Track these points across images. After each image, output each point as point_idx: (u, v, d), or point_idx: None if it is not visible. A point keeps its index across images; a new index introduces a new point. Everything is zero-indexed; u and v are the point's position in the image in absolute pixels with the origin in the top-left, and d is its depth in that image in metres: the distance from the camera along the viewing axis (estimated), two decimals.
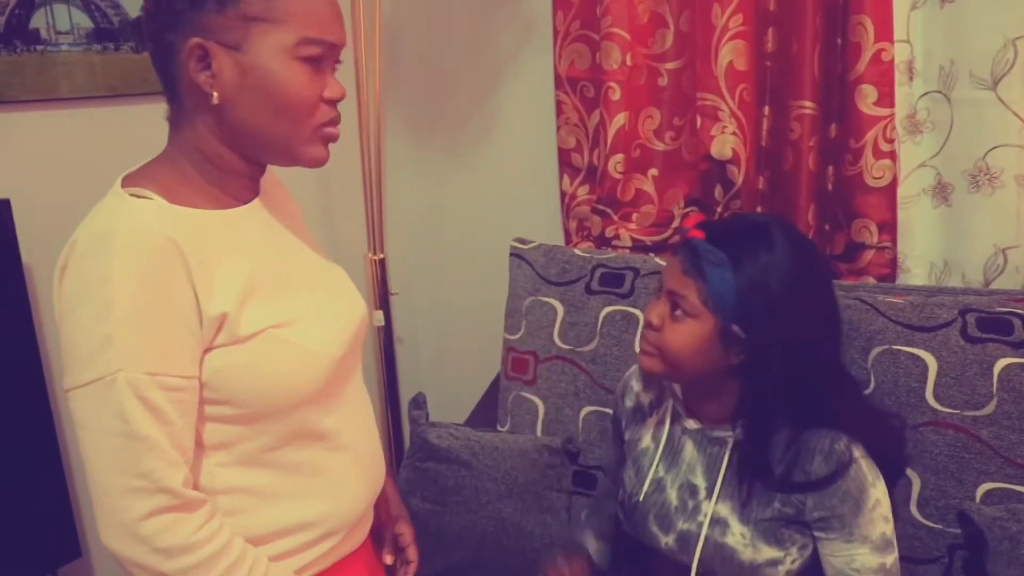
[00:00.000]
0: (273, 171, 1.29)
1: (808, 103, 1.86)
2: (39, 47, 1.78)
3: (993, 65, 1.70)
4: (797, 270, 1.24)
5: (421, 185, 2.48)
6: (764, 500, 1.28)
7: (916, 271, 1.89)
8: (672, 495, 1.36)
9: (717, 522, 1.30)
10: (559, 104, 2.16)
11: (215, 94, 1.05)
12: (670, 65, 2.01)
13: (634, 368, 1.52)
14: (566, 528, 1.74)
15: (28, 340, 1.72)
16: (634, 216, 2.10)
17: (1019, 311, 1.49)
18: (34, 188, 1.78)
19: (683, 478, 1.36)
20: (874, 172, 1.83)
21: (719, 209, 2.04)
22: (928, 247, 1.87)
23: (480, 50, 2.30)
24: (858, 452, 1.27)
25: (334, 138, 1.14)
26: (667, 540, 1.35)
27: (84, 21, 1.83)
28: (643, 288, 1.79)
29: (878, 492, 1.27)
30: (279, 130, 1.08)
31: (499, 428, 1.93)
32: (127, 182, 1.07)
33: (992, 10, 1.69)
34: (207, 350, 1.04)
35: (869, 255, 1.89)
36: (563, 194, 2.22)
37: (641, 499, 1.38)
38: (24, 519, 1.73)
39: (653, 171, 2.07)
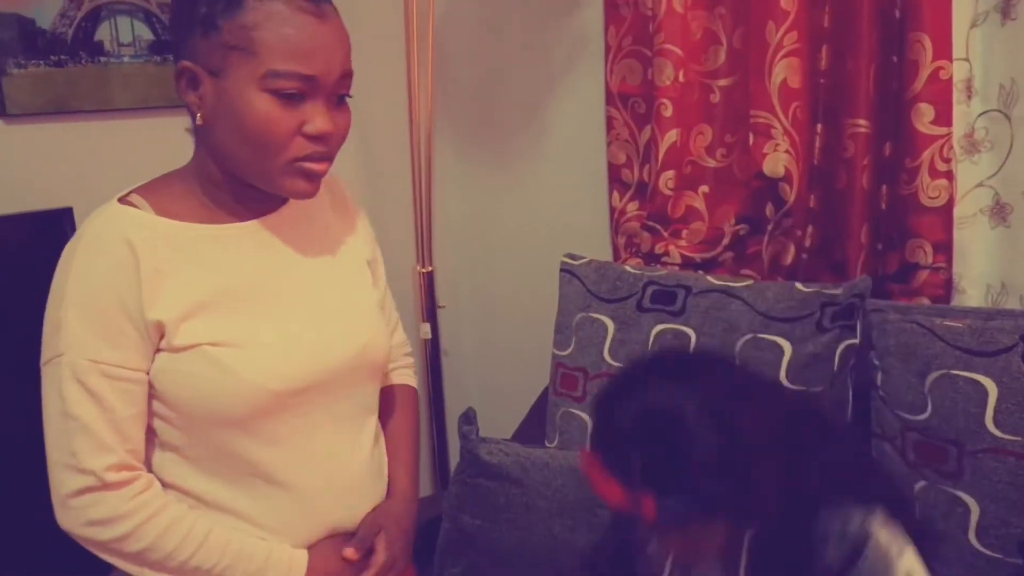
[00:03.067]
0: (337, 184, 1.30)
1: (862, 121, 1.85)
2: (102, 58, 1.82)
3: None
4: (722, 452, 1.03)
5: (470, 198, 2.49)
6: None
7: (971, 293, 1.86)
8: None
9: None
10: (610, 119, 2.16)
11: (199, 115, 1.10)
12: (723, 82, 2.00)
13: None
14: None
15: None
16: (684, 233, 2.09)
17: None
18: (95, 197, 1.80)
19: None
20: (930, 192, 1.81)
21: (770, 227, 2.02)
22: (985, 268, 1.84)
23: (531, 64, 2.31)
24: (876, 523, 1.09)
25: (315, 173, 1.12)
26: None
27: (146, 33, 1.87)
28: (694, 306, 1.79)
29: (907, 562, 1.09)
30: (250, 158, 1.11)
31: (547, 444, 1.92)
32: (137, 190, 1.15)
33: None
34: (156, 350, 1.10)
35: (923, 275, 1.86)
36: (612, 210, 2.21)
37: None
38: None
39: (704, 188, 2.06)
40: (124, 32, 1.84)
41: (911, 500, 1.36)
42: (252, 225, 1.18)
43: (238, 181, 1.15)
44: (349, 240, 1.30)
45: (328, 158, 1.13)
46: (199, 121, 1.10)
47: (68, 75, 1.79)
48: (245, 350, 1.11)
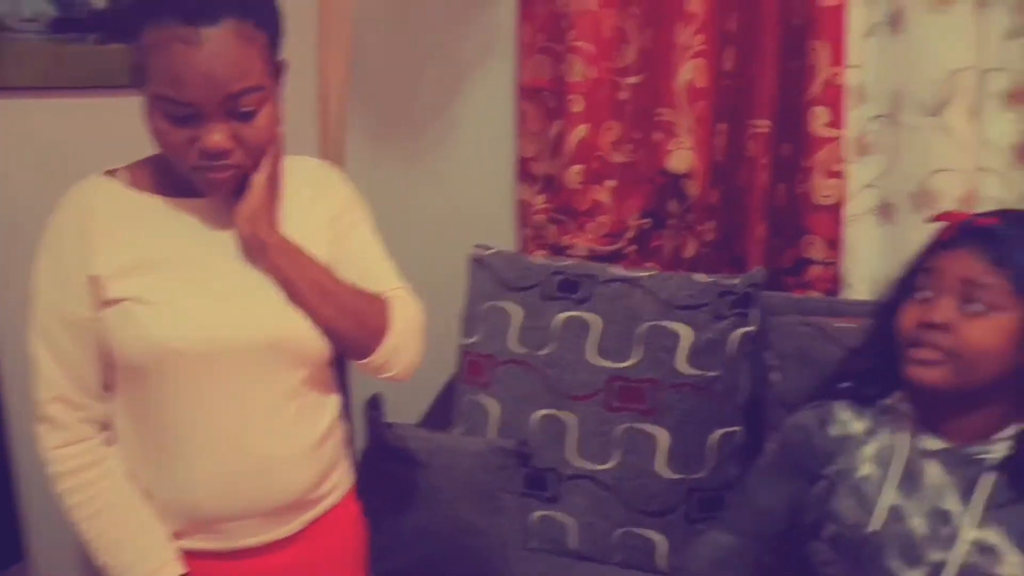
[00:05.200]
0: (328, 176, 1.37)
1: (763, 122, 1.92)
2: (1, 33, 1.76)
3: (937, 94, 1.76)
4: None
5: (380, 190, 2.46)
6: None
7: (859, 287, 1.95)
8: (916, 523, 1.19)
9: (984, 550, 1.14)
10: (521, 113, 2.20)
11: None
12: (631, 80, 2.06)
13: (831, 404, 1.34)
14: (518, 531, 1.76)
15: None
16: (589, 226, 2.13)
17: None
18: None
19: (929, 505, 1.20)
20: (823, 191, 1.89)
21: (672, 222, 2.09)
22: (872, 264, 1.93)
23: (444, 59, 2.32)
24: None
25: (215, 181, 1.16)
26: (913, 575, 1.19)
27: (49, 10, 1.81)
28: (599, 295, 1.84)
29: None
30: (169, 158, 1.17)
31: (453, 430, 1.95)
32: (127, 165, 1.25)
33: (937, 42, 1.75)
34: (102, 303, 1.18)
35: (816, 270, 1.95)
36: (520, 202, 2.25)
37: (879, 528, 1.21)
38: None
39: (610, 182, 2.11)
40: (26, 7, 1.79)
41: None
42: (211, 202, 1.22)
43: None
44: (310, 231, 1.29)
45: (228, 168, 1.15)
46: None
47: None
48: (158, 309, 1.17)
